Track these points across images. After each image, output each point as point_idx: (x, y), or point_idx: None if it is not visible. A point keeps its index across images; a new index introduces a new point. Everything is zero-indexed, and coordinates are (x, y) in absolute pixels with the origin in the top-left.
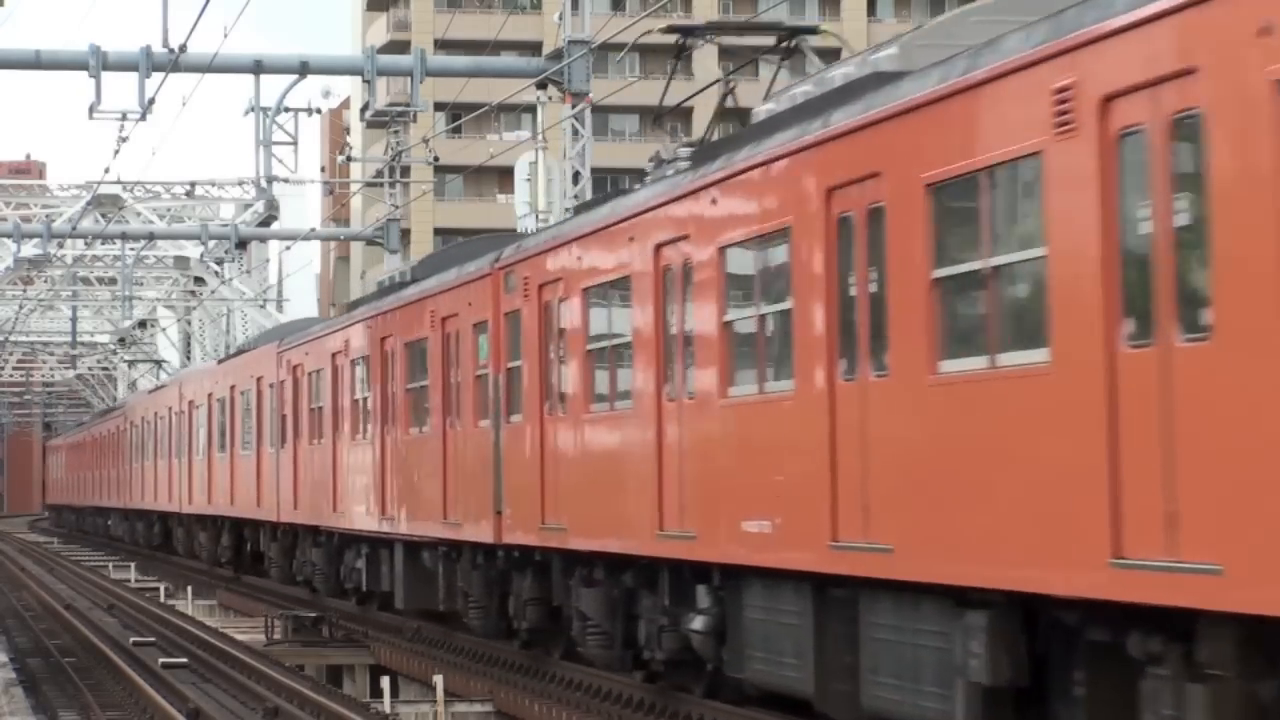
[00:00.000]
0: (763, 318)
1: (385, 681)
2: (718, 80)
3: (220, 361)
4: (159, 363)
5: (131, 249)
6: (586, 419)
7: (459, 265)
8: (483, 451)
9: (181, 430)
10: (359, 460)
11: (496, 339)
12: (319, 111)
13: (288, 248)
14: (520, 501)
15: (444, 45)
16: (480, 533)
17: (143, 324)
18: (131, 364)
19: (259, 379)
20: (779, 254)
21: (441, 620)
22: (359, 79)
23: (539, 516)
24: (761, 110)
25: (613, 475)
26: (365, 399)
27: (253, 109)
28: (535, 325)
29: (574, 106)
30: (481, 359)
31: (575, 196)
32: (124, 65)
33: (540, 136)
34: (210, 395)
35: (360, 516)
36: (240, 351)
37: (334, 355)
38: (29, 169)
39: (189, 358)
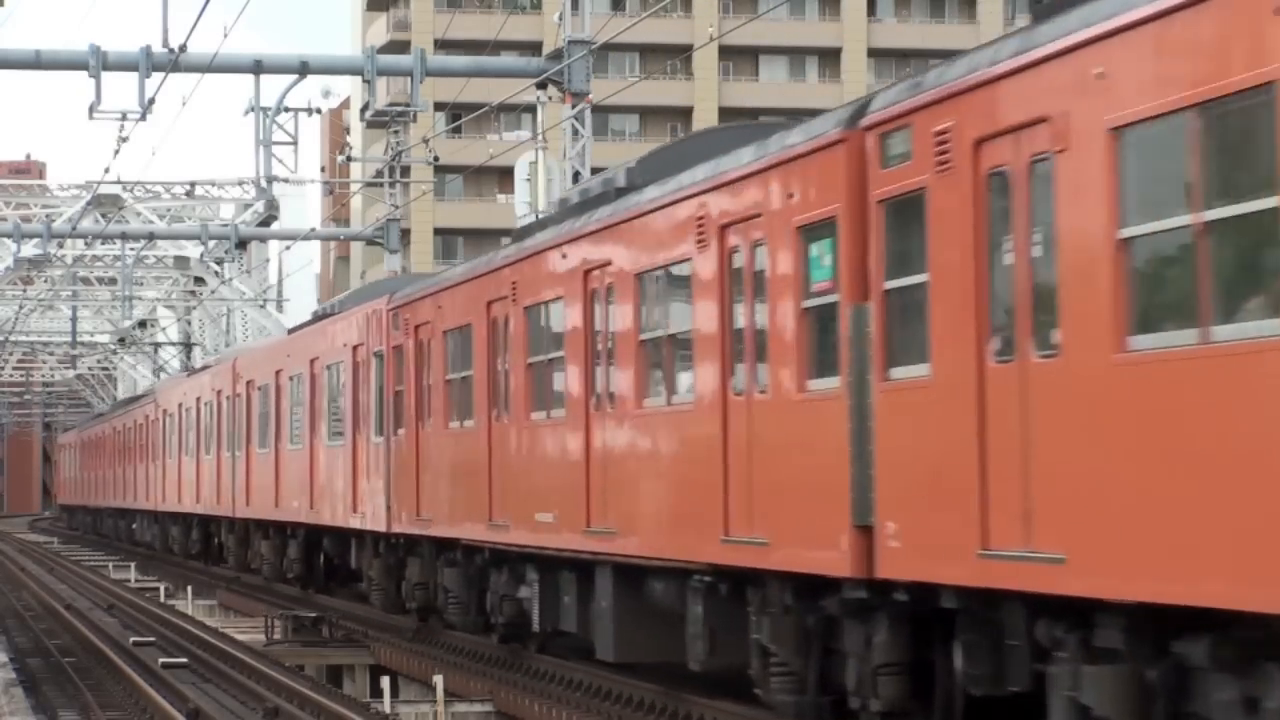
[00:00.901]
0: None
1: (385, 681)
2: None
3: (291, 331)
4: (190, 346)
5: (131, 249)
6: (1127, 363)
7: (731, 151)
8: (817, 430)
9: (236, 418)
10: (542, 449)
11: (858, 246)
12: (319, 111)
13: (288, 248)
14: (922, 509)
15: (444, 45)
16: (816, 559)
17: (143, 324)
18: (157, 348)
19: (355, 348)
20: None
21: (667, 679)
22: (359, 79)
23: (977, 535)
24: None
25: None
26: (554, 360)
27: (253, 109)
28: (971, 212)
29: (574, 106)
30: (815, 281)
31: None
32: (124, 65)
33: (540, 136)
34: (279, 373)
35: (541, 529)
36: (322, 316)
37: (490, 304)
38: (29, 169)
39: (189, 358)
